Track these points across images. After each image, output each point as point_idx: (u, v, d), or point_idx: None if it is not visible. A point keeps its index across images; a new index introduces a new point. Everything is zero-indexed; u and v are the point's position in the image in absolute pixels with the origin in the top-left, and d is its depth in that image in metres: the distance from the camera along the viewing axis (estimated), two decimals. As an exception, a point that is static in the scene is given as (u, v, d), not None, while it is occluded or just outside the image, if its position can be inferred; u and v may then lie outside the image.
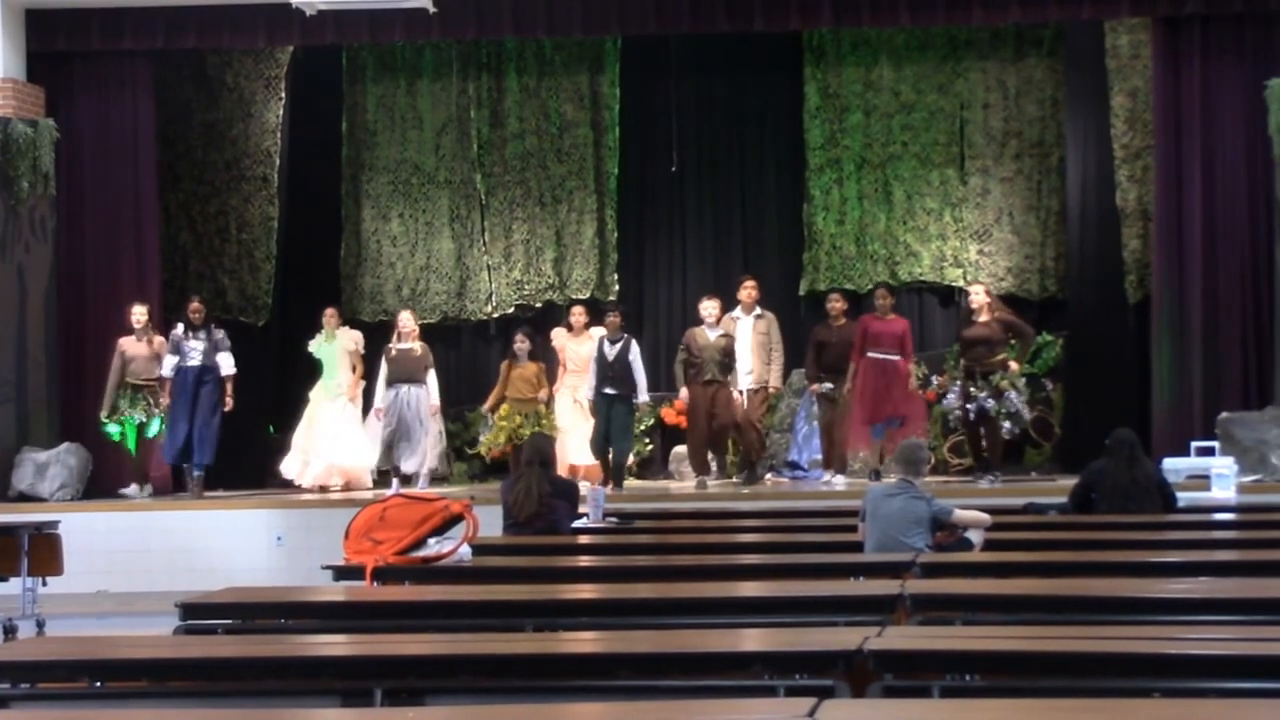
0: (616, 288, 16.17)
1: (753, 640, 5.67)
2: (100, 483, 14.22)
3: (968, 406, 13.45)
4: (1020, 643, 5.41)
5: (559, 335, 14.63)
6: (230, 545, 13.03)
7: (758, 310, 14.14)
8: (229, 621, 6.69)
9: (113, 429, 14.00)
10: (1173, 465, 12.15)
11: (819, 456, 14.59)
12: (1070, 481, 10.95)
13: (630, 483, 14.16)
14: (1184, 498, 10.55)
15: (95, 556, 12.59)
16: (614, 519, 10.52)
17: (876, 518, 8.32)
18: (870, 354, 13.75)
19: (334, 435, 14.50)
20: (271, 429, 15.63)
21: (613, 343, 13.88)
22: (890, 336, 13.80)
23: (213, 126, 15.94)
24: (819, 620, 6.25)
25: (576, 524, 9.83)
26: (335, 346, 14.62)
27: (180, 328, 14.09)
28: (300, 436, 14.65)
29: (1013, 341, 13.75)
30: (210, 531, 13.23)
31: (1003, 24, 15.13)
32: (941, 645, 5.43)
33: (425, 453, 14.10)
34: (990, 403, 13.34)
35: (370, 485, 14.55)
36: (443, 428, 14.50)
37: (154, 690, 5.46)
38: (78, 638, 7.63)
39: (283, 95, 15.85)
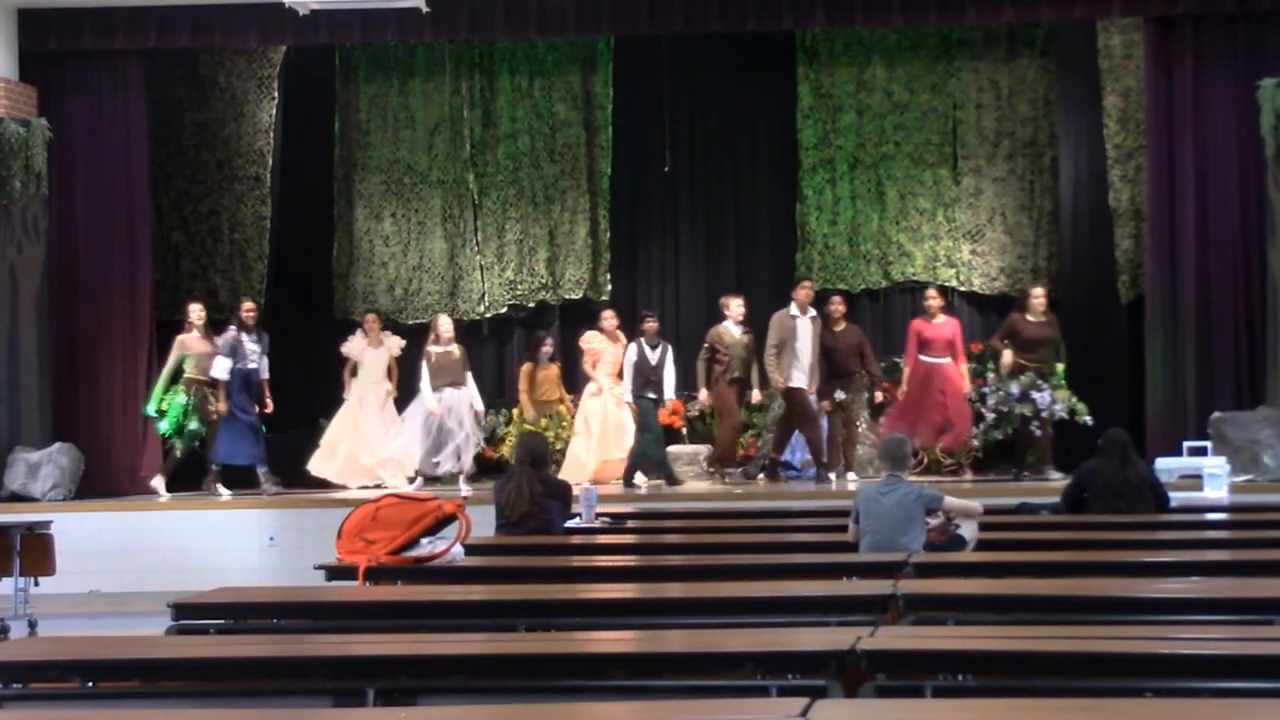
0: (609, 288, 16.18)
1: (746, 640, 5.65)
2: (92, 482, 14.20)
3: (1038, 404, 13.74)
4: (1013, 643, 5.41)
5: (595, 338, 14.60)
6: (223, 545, 13.03)
7: (812, 311, 14.12)
8: (221, 621, 6.68)
9: (164, 425, 14.03)
10: (1165, 465, 12.18)
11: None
12: (1063, 481, 10.95)
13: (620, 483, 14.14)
14: (1176, 497, 10.56)
15: (87, 556, 12.58)
16: (606, 519, 10.52)
17: (871, 517, 8.32)
18: (922, 358, 13.89)
19: (385, 435, 14.54)
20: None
21: (653, 347, 14.00)
22: (941, 341, 13.97)
23: (205, 126, 15.92)
24: (812, 620, 6.25)
25: (569, 524, 9.83)
26: (382, 351, 14.73)
27: (232, 330, 14.11)
28: (342, 438, 14.63)
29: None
30: (202, 531, 13.22)
31: (995, 24, 15.15)
32: (934, 645, 5.43)
33: (461, 454, 14.07)
34: (1054, 406, 13.77)
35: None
36: (472, 429, 14.37)
37: (146, 690, 5.46)
38: (70, 638, 7.60)
39: (275, 95, 15.84)
